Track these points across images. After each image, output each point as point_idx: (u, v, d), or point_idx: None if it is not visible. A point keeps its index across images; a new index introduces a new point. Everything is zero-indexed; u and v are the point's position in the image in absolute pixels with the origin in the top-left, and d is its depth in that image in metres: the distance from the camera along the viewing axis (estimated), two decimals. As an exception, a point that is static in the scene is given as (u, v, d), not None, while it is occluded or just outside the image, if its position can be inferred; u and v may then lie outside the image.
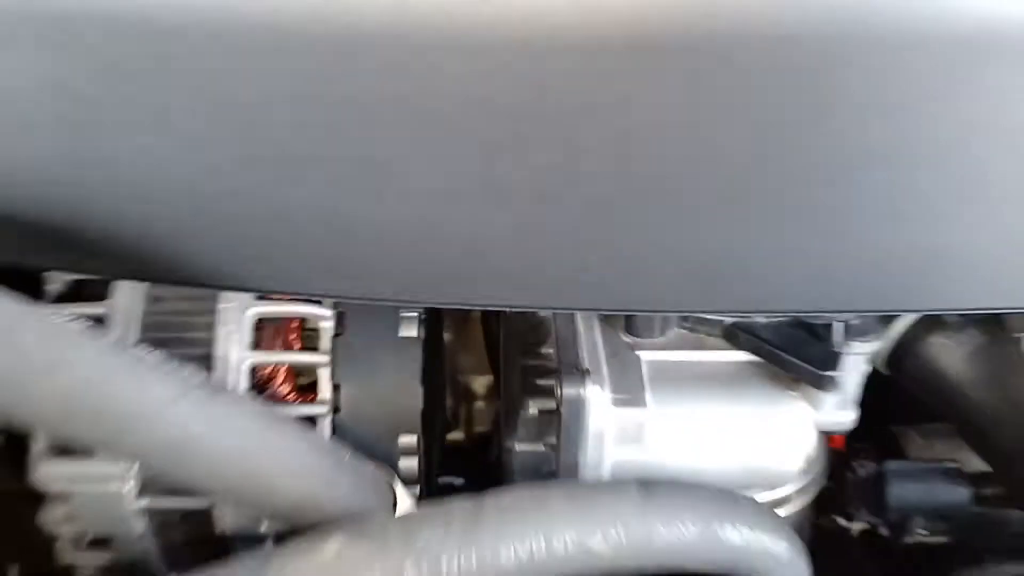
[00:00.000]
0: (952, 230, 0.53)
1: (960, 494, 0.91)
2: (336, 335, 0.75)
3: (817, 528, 1.01)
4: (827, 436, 0.93)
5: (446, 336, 0.96)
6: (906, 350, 0.85)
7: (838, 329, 0.71)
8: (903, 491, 0.93)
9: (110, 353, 0.50)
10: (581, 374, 0.70)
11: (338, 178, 0.51)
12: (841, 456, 0.99)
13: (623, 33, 0.44)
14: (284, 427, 0.55)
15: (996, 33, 0.45)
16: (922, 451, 1.01)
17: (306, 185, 0.52)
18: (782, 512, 0.82)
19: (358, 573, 0.48)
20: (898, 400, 0.95)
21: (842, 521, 1.00)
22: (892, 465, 0.94)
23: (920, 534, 0.98)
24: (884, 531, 0.97)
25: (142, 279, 0.67)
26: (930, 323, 0.85)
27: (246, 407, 0.56)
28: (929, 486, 0.94)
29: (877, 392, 0.95)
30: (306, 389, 0.77)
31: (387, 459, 0.74)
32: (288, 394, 0.75)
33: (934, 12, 0.44)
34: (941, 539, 0.98)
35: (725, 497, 0.59)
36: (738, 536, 0.57)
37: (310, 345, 0.76)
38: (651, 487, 0.55)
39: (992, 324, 0.86)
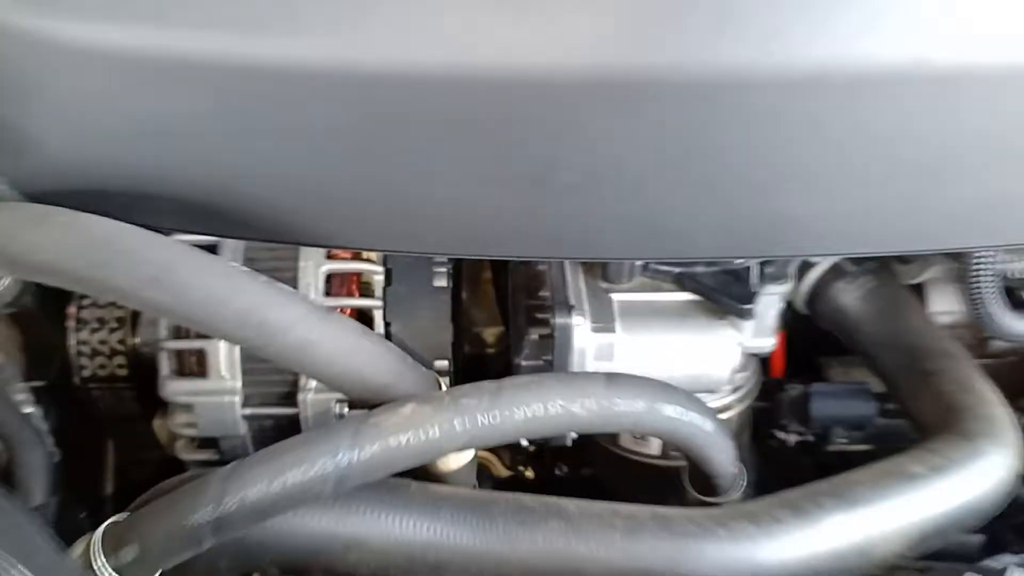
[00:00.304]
0: (815, 198, 0.78)
1: (868, 408, 1.12)
2: (386, 286, 1.01)
3: (762, 443, 1.25)
4: (764, 362, 1.17)
5: (464, 295, 1.21)
6: (817, 294, 1.10)
7: (754, 273, 0.96)
8: (823, 407, 1.13)
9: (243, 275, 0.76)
10: (568, 309, 0.95)
11: (397, 169, 0.76)
12: (779, 383, 1.24)
13: (574, 77, 0.69)
14: (368, 333, 0.80)
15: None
16: (840, 376, 1.25)
17: (376, 175, 0.77)
18: (724, 416, 1.08)
19: (424, 423, 0.74)
20: (826, 337, 1.20)
21: (780, 434, 1.24)
22: (815, 387, 1.15)
23: (840, 442, 1.22)
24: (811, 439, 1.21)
25: (249, 238, 0.91)
26: (835, 271, 1.09)
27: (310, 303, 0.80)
28: (844, 403, 1.14)
29: (808, 332, 1.20)
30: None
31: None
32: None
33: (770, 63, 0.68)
34: (858, 447, 1.22)
35: (668, 387, 0.84)
36: (674, 412, 0.82)
37: (366, 293, 1.01)
38: (614, 376, 0.81)
39: (882, 271, 1.10)
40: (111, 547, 0.74)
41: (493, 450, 1.25)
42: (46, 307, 1.11)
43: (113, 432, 1.20)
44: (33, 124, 0.77)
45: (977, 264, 0.92)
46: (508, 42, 0.69)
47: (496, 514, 0.82)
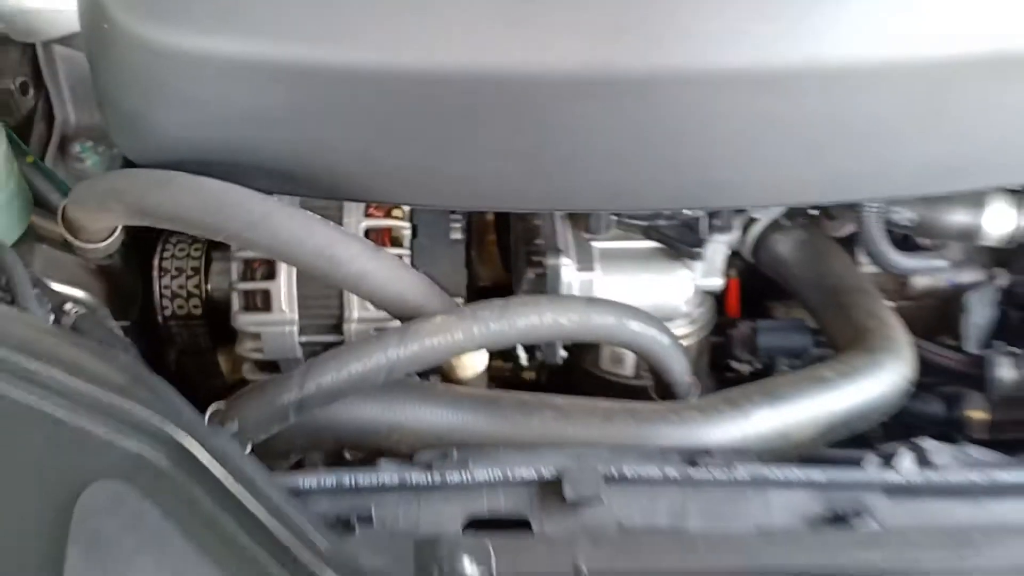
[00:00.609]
0: (743, 165, 1.03)
1: (805, 340, 1.35)
2: (412, 239, 1.26)
3: (722, 374, 1.50)
4: (721, 304, 1.42)
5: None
6: (759, 244, 1.35)
7: (703, 225, 1.21)
8: (768, 339, 1.37)
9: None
10: (558, 253, 1.21)
11: (428, 144, 1.01)
12: (733, 322, 1.49)
13: (560, 75, 0.94)
14: (407, 266, 1.07)
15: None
16: (782, 314, 1.50)
17: (412, 148, 1.02)
18: (683, 343, 1.33)
19: (451, 328, 0.99)
20: (772, 285, 1.45)
21: (735, 364, 1.49)
22: (761, 323, 1.39)
23: (784, 370, 1.48)
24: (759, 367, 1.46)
25: (313, 196, 1.15)
26: (774, 226, 1.34)
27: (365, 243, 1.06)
28: (785, 335, 1.37)
29: (757, 280, 1.45)
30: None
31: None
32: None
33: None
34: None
35: (634, 308, 1.09)
36: (637, 327, 1.07)
37: (396, 245, 1.27)
38: (593, 299, 1.07)
39: (811, 226, 1.36)
40: (217, 423, 0.99)
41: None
42: (128, 262, 1.36)
43: (185, 364, 1.45)
44: (155, 114, 1.02)
45: (867, 213, 1.18)
46: (506, 48, 0.95)
47: (503, 405, 1.08)
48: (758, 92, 0.96)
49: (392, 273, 1.03)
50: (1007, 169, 1.05)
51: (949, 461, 1.14)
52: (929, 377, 1.34)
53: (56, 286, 1.24)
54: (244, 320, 1.24)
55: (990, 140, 1.00)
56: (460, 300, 1.24)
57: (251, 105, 1.00)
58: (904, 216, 1.18)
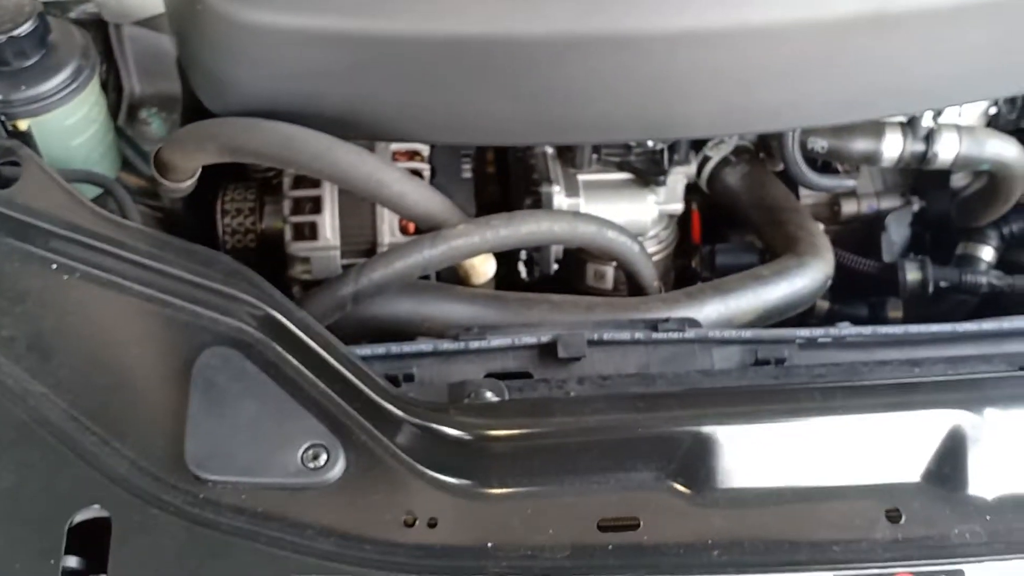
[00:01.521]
0: (690, 103, 1.33)
1: (754, 259, 1.62)
2: (432, 177, 1.55)
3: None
4: (687, 231, 1.71)
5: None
6: (712, 177, 1.64)
7: (666, 158, 1.51)
8: (724, 259, 1.66)
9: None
10: (549, 182, 1.51)
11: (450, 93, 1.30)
12: (696, 246, 1.79)
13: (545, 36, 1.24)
14: (434, 189, 1.38)
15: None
16: (737, 239, 1.80)
17: (436, 94, 1.30)
18: (653, 258, 1.63)
19: (470, 233, 1.28)
20: (728, 216, 1.75)
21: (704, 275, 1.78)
22: (719, 246, 1.70)
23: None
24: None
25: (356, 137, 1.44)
26: (724, 162, 1.64)
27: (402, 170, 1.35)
28: (738, 255, 1.67)
29: (717, 212, 1.75)
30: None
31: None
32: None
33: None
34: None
35: (611, 222, 1.38)
36: (614, 235, 1.36)
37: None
38: (579, 214, 1.38)
39: (753, 160, 1.66)
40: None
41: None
42: (190, 208, 1.65)
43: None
44: (235, 75, 1.31)
45: (787, 140, 1.48)
46: (504, 16, 1.24)
47: (509, 300, 1.38)
48: (699, 48, 1.25)
49: (424, 194, 1.33)
50: (891, 104, 1.35)
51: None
52: (854, 286, 1.65)
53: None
54: (296, 247, 1.51)
55: (875, 82, 1.29)
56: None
57: (308, 66, 1.28)
58: (819, 144, 1.48)
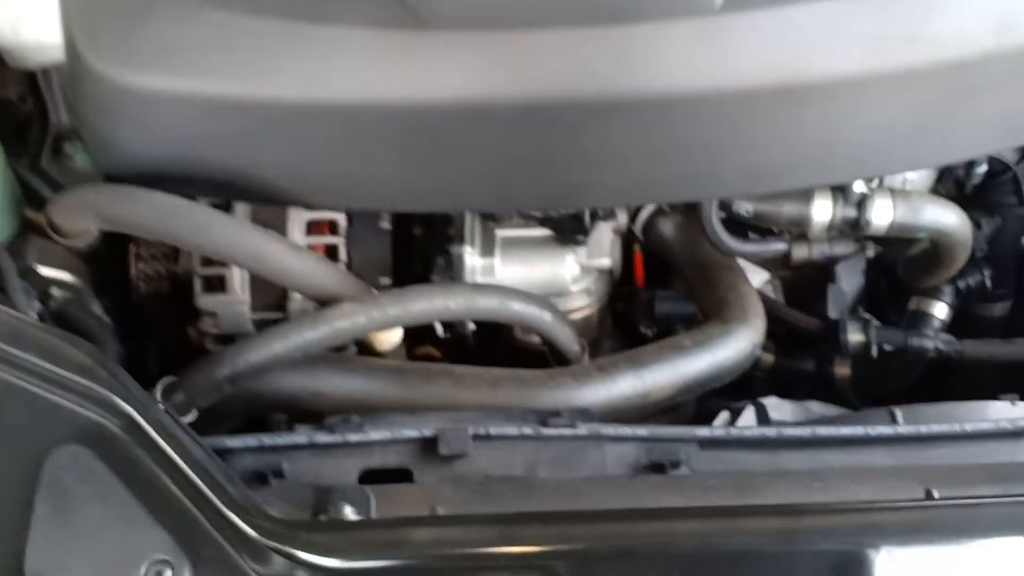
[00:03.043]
0: (608, 175, 1.24)
1: (695, 308, 1.59)
2: (349, 227, 1.47)
3: (635, 336, 1.72)
4: (631, 274, 1.62)
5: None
6: (647, 226, 1.55)
7: (587, 216, 1.42)
8: (663, 307, 1.59)
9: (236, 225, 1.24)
10: (462, 242, 1.43)
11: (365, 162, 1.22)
12: (637, 290, 1.70)
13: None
14: (327, 261, 1.30)
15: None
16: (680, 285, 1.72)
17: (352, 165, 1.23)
18: (580, 313, 1.55)
19: (355, 314, 1.21)
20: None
21: (642, 328, 1.70)
22: (659, 293, 1.63)
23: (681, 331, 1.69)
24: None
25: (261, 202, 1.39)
26: (659, 211, 1.55)
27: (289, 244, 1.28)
28: (677, 304, 1.59)
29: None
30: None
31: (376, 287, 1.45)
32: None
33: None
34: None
35: (515, 291, 1.31)
36: (519, 306, 1.29)
37: (335, 232, 1.47)
38: (478, 285, 1.30)
39: (688, 211, 1.56)
40: (166, 396, 1.22)
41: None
42: (112, 247, 1.59)
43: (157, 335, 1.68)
44: (120, 138, 1.24)
45: (703, 208, 1.38)
46: (397, 84, 1.16)
47: (407, 374, 1.31)
48: (607, 118, 1.16)
49: (313, 268, 1.27)
50: (813, 174, 1.26)
51: (787, 415, 1.38)
52: (796, 341, 1.57)
53: (48, 271, 1.47)
54: (205, 300, 1.45)
55: (787, 153, 1.20)
56: (387, 280, 1.46)
57: (192, 130, 1.22)
58: (743, 208, 1.38)
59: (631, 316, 1.66)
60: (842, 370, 1.58)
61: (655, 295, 1.62)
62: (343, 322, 1.21)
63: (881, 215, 1.36)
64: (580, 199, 1.30)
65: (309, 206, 1.38)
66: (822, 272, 1.64)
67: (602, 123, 1.16)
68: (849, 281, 1.62)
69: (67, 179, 1.56)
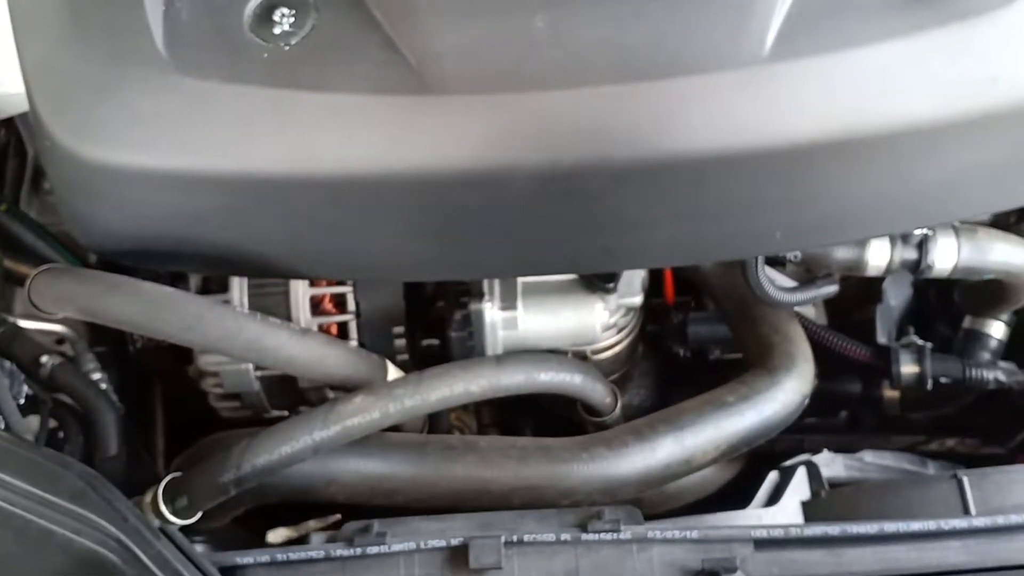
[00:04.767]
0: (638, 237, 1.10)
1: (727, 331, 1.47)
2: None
3: (666, 352, 1.61)
4: (660, 289, 1.50)
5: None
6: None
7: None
8: (696, 330, 1.49)
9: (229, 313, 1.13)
10: (481, 297, 1.31)
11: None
12: (668, 308, 1.58)
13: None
14: (332, 340, 1.18)
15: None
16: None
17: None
18: (613, 351, 1.43)
19: (369, 409, 1.09)
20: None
21: (676, 348, 1.59)
22: (692, 315, 1.52)
23: (717, 354, 1.59)
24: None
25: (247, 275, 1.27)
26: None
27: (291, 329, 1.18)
28: (711, 326, 1.50)
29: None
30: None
31: (388, 338, 1.35)
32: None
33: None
34: (733, 355, 1.58)
35: (543, 358, 1.20)
36: (546, 376, 1.17)
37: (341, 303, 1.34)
38: (502, 359, 1.18)
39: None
40: (169, 497, 1.12)
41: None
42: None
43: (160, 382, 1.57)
44: (92, 213, 1.13)
45: (749, 264, 1.25)
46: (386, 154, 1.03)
47: (429, 451, 1.20)
48: (647, 184, 1.04)
49: (317, 352, 1.15)
50: (872, 226, 1.13)
51: (840, 471, 1.27)
52: (840, 367, 1.45)
53: (36, 325, 1.36)
54: (206, 361, 1.35)
55: (850, 206, 1.08)
56: (399, 328, 1.35)
57: (175, 207, 1.10)
58: (791, 253, 1.25)
59: (662, 337, 1.55)
60: (891, 393, 1.47)
61: (687, 318, 1.51)
62: (356, 419, 1.10)
63: (945, 257, 1.23)
64: (612, 263, 1.18)
65: (309, 279, 1.26)
66: (868, 282, 1.51)
67: (637, 187, 1.04)
68: (896, 295, 1.50)
69: (49, 218, 1.45)
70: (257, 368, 1.34)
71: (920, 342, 1.42)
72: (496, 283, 1.32)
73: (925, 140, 1.02)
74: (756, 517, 1.22)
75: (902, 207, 1.10)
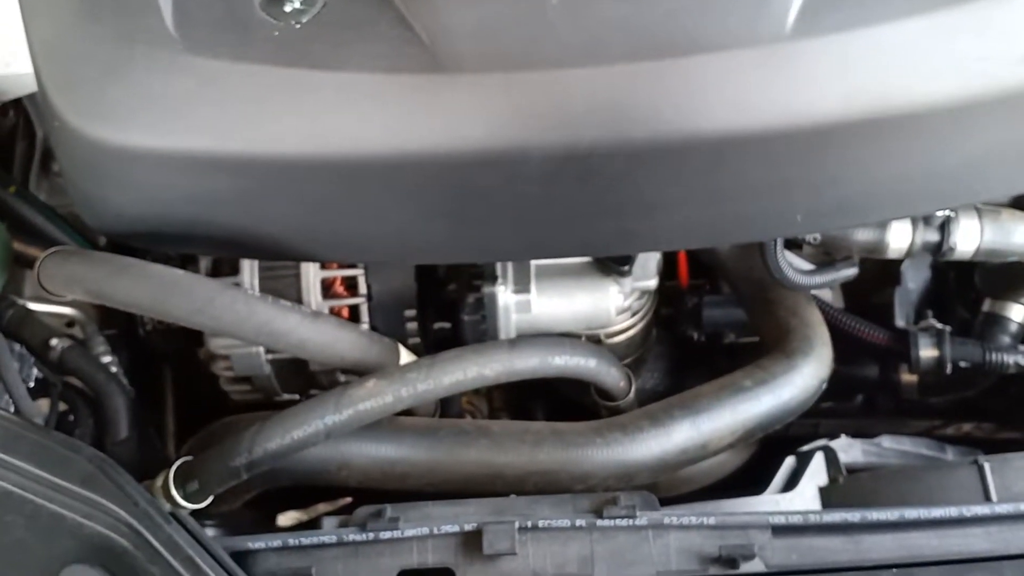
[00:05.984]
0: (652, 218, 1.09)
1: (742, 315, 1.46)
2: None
3: (681, 334, 1.59)
4: (674, 272, 1.48)
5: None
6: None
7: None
8: (711, 314, 1.48)
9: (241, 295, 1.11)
10: (494, 280, 1.29)
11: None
12: (682, 291, 1.56)
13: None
14: (343, 323, 1.17)
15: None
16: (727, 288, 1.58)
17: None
18: (627, 334, 1.41)
19: (381, 392, 1.08)
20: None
21: (690, 332, 1.57)
22: (707, 299, 1.50)
23: (732, 338, 1.57)
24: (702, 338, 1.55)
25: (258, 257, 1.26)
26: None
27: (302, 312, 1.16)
28: (726, 310, 1.50)
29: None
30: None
31: (400, 321, 1.34)
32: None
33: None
34: (748, 339, 1.56)
35: (557, 341, 1.18)
36: (560, 360, 1.15)
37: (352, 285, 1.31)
38: (515, 342, 1.16)
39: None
40: (180, 481, 1.11)
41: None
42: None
43: (170, 365, 1.56)
44: (102, 196, 1.12)
45: (767, 246, 1.23)
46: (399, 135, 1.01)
47: (442, 436, 1.18)
48: (665, 164, 1.02)
49: (329, 336, 1.14)
50: (895, 207, 1.11)
51: (858, 456, 1.25)
52: (857, 351, 1.43)
53: (46, 308, 1.35)
54: (216, 344, 1.33)
55: (873, 187, 1.05)
56: (411, 311, 1.33)
57: (185, 189, 1.08)
58: (811, 235, 1.23)
59: (677, 321, 1.53)
60: (908, 377, 1.45)
61: (702, 301, 1.50)
62: (368, 403, 1.08)
63: (967, 239, 1.21)
64: (627, 245, 1.16)
65: (321, 261, 1.25)
66: (886, 264, 1.49)
67: (655, 168, 1.02)
68: (915, 277, 1.48)
69: (58, 199, 1.45)
70: (268, 351, 1.33)
71: (939, 325, 1.40)
72: (509, 266, 1.30)
73: (949, 119, 1.00)
74: (773, 503, 1.20)
75: (925, 188, 1.08)
